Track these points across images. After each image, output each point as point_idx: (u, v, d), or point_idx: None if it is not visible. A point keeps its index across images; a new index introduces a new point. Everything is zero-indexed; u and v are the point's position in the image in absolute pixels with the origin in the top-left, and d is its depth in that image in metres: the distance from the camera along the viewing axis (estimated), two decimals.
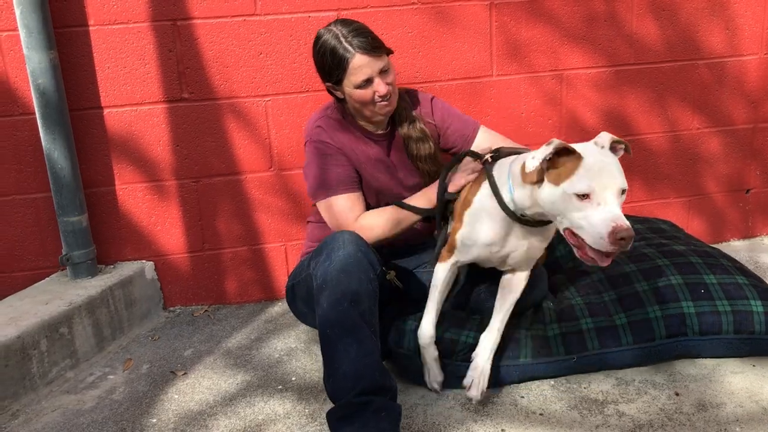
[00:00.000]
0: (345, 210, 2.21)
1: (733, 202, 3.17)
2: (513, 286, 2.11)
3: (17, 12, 2.36)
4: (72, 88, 2.54)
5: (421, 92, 2.40)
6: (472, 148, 2.32)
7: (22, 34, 2.39)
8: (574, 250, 1.77)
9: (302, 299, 2.23)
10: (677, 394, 2.07)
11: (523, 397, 2.10)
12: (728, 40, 2.95)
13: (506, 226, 1.97)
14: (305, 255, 2.33)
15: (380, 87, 2.13)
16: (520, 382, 2.16)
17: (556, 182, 1.73)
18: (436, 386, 2.13)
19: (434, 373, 2.13)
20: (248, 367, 2.39)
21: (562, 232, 1.81)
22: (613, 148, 1.79)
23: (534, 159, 1.75)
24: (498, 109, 2.84)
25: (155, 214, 2.72)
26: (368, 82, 2.13)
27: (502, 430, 1.94)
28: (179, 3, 2.54)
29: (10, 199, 2.62)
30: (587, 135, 2.93)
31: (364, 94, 2.14)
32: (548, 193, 1.76)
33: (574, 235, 1.75)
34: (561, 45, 2.82)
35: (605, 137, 1.79)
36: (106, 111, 2.59)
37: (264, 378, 2.31)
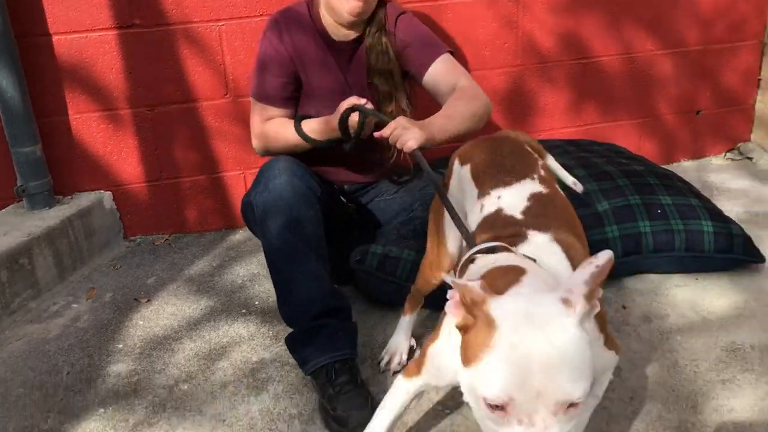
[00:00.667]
0: (259, 116, 2.21)
1: (684, 123, 3.25)
2: None
3: None
4: (16, 13, 2.46)
5: (396, 5, 2.26)
6: (428, 78, 2.17)
7: None
8: None
9: (252, 221, 2.15)
10: (624, 308, 2.18)
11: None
12: None
13: None
14: None
15: None
16: None
17: (464, 362, 1.06)
18: None
19: None
20: (211, 293, 2.43)
21: None
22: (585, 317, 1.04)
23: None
24: (455, 33, 2.83)
25: (111, 143, 2.69)
26: None
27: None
28: None
29: None
30: (544, 59, 2.96)
31: None
32: (461, 372, 1.08)
33: None
34: None
35: (578, 294, 1.03)
36: (54, 38, 2.52)
37: (227, 303, 2.36)
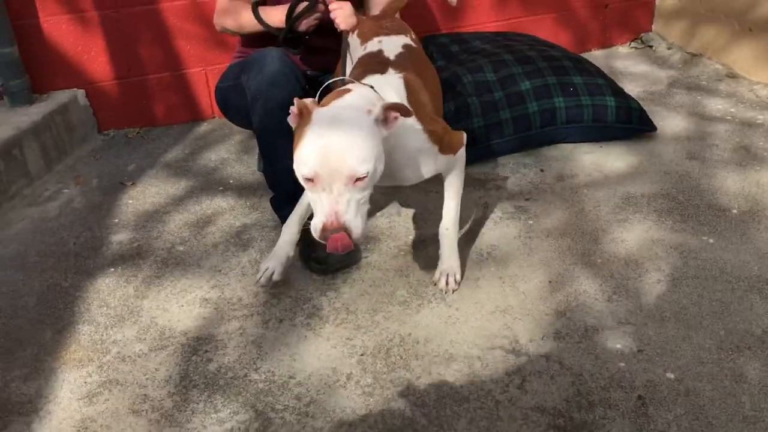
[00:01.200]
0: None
1: (594, 16, 3.66)
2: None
3: None
4: None
5: None
6: None
7: None
8: None
9: (234, 105, 2.43)
10: (542, 171, 2.63)
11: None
12: None
13: None
14: (235, 60, 2.53)
15: None
16: None
17: (294, 149, 1.51)
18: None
19: None
20: (189, 175, 2.76)
21: None
22: (387, 119, 1.55)
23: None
24: None
25: (81, 43, 2.91)
26: None
27: (408, 204, 2.46)
28: None
29: None
30: None
31: None
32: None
33: None
34: None
35: (379, 105, 1.53)
36: None
37: (205, 182, 2.70)
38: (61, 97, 2.92)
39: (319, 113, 1.51)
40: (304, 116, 1.51)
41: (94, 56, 2.95)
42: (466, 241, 2.23)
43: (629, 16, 3.74)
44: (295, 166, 1.49)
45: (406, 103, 1.73)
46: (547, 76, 2.75)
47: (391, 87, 1.77)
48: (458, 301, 1.97)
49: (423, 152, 1.77)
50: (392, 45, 2.00)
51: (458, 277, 2.02)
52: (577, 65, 2.86)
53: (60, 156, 2.86)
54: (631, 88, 3.23)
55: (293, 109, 1.53)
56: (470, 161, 2.65)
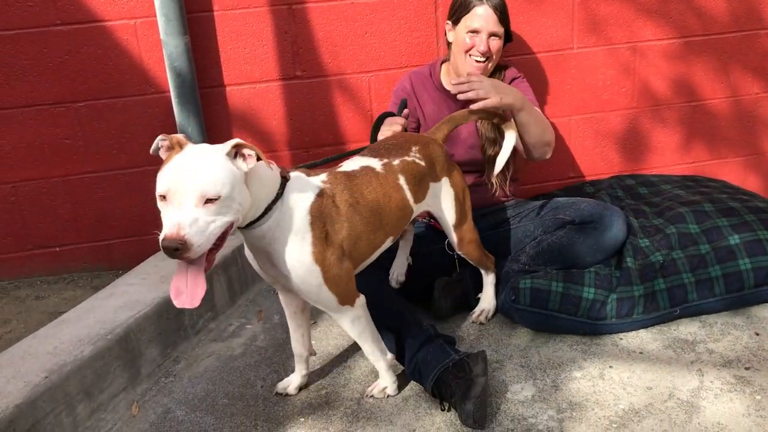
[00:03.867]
0: None
1: None
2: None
3: (156, 2, 2.61)
4: (199, 68, 2.80)
5: (515, 70, 2.68)
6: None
7: (160, 21, 2.64)
8: None
9: None
10: (757, 334, 2.38)
11: (621, 339, 2.42)
12: None
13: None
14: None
15: (481, 44, 2.50)
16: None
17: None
18: None
19: None
20: None
21: None
22: (240, 155, 1.67)
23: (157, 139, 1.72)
24: (577, 80, 3.10)
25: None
26: (476, 33, 2.49)
27: (610, 366, 2.27)
28: None
29: (143, 170, 2.91)
30: (658, 102, 3.20)
31: (467, 42, 2.51)
32: None
33: None
34: (635, 19, 3.06)
35: (228, 143, 1.67)
36: (228, 89, 2.86)
37: None
38: None
39: (187, 146, 1.67)
40: (174, 149, 1.67)
41: None
42: (686, 416, 2.01)
43: None
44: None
45: (306, 212, 1.85)
46: (757, 230, 2.55)
47: (303, 188, 1.87)
48: None
49: (296, 252, 1.84)
50: (353, 163, 2.09)
51: None
52: None
53: (243, 289, 2.90)
54: None
55: (164, 142, 1.69)
56: (675, 314, 2.46)
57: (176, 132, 2.79)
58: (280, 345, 2.55)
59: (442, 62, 2.72)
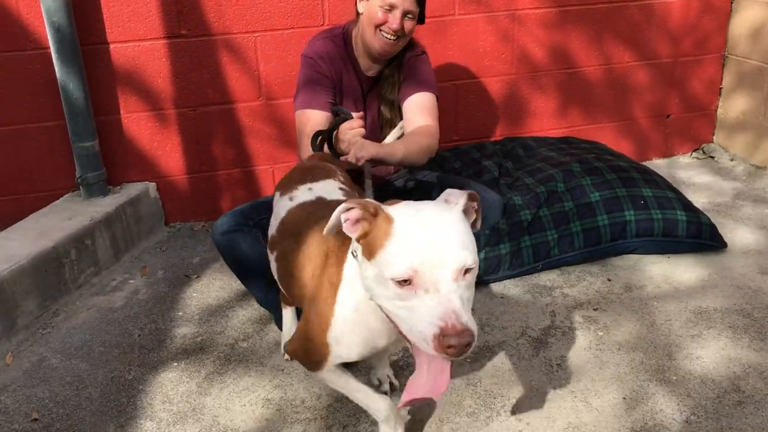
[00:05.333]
0: (307, 125, 2.44)
1: (656, 126, 3.69)
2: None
3: None
4: (81, 24, 2.79)
5: (419, 47, 2.60)
6: (404, 105, 2.54)
7: None
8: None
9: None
10: (609, 280, 2.58)
11: (487, 287, 2.58)
12: None
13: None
14: None
15: (394, 21, 2.35)
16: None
17: (369, 257, 1.29)
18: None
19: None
20: None
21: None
22: (465, 211, 1.34)
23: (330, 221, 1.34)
24: (459, 46, 3.23)
25: (157, 139, 3.03)
26: (391, 8, 2.34)
27: (472, 310, 2.42)
28: None
29: (23, 128, 2.88)
30: (535, 68, 3.37)
31: (379, 17, 2.35)
32: (364, 269, 1.32)
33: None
34: None
35: (458, 195, 1.35)
36: (112, 46, 2.86)
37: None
38: (133, 189, 3.02)
39: (396, 209, 1.30)
40: (376, 214, 1.30)
41: (168, 152, 3.06)
42: (534, 350, 2.18)
43: (691, 126, 3.75)
44: (376, 277, 1.27)
45: None
46: (617, 188, 2.74)
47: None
48: (528, 414, 1.90)
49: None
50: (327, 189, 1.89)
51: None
52: (646, 177, 2.84)
53: (127, 246, 2.93)
54: (696, 199, 3.19)
55: (348, 216, 1.32)
56: (538, 269, 2.64)
57: (58, 90, 2.78)
58: (160, 298, 2.60)
59: (354, 30, 2.58)
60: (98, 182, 2.91)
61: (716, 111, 3.76)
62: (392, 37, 2.39)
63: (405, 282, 1.21)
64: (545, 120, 3.47)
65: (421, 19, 2.47)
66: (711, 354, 2.12)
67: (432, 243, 1.21)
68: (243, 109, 3.07)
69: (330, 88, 2.50)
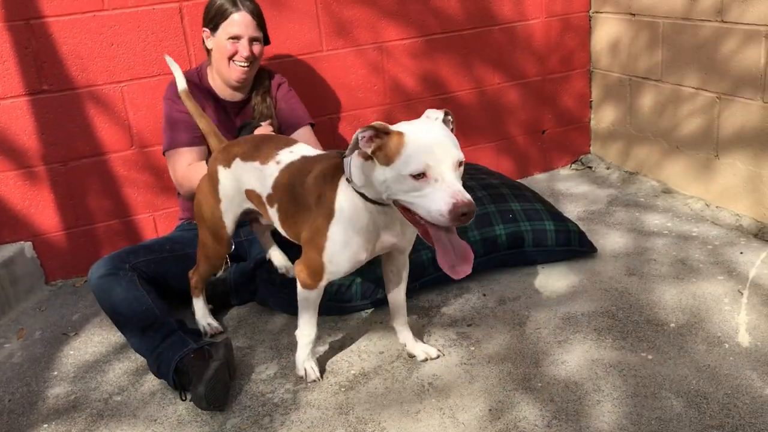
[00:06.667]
0: (178, 162, 2.65)
1: (533, 142, 3.82)
2: (399, 270, 2.23)
3: None
4: None
5: (280, 77, 2.85)
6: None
7: None
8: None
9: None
10: (484, 295, 2.65)
11: (366, 313, 2.60)
12: (516, 7, 3.55)
13: (376, 222, 1.93)
14: (182, 221, 2.87)
15: (244, 50, 2.59)
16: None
17: (387, 163, 1.70)
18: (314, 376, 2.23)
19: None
20: None
21: (393, 204, 1.81)
22: (445, 121, 1.79)
23: (351, 146, 1.74)
24: (332, 79, 3.29)
25: (28, 197, 2.97)
26: (237, 39, 2.57)
27: (351, 338, 2.44)
28: (31, 3, 2.77)
29: None
30: (409, 97, 3.46)
31: (229, 48, 2.58)
32: (380, 174, 1.73)
33: (408, 210, 1.74)
34: (378, 21, 3.30)
35: (435, 111, 1.79)
36: None
37: None
38: (6, 250, 2.94)
39: (401, 126, 1.73)
40: (387, 131, 1.70)
41: (42, 208, 3.00)
42: (408, 372, 2.21)
43: (567, 139, 3.90)
44: (395, 176, 1.67)
45: None
46: (487, 204, 2.82)
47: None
48: None
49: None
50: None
51: None
52: (515, 191, 2.94)
53: (4, 310, 2.84)
54: (572, 209, 3.32)
55: (366, 133, 1.70)
56: (416, 290, 2.69)
57: None
58: (36, 359, 2.53)
59: (208, 66, 2.78)
60: None
61: (589, 123, 3.93)
62: (245, 64, 2.62)
63: (419, 176, 1.63)
64: None
65: (266, 40, 2.71)
66: (575, 358, 2.20)
67: (436, 145, 1.64)
68: (116, 159, 3.04)
69: (191, 124, 2.57)
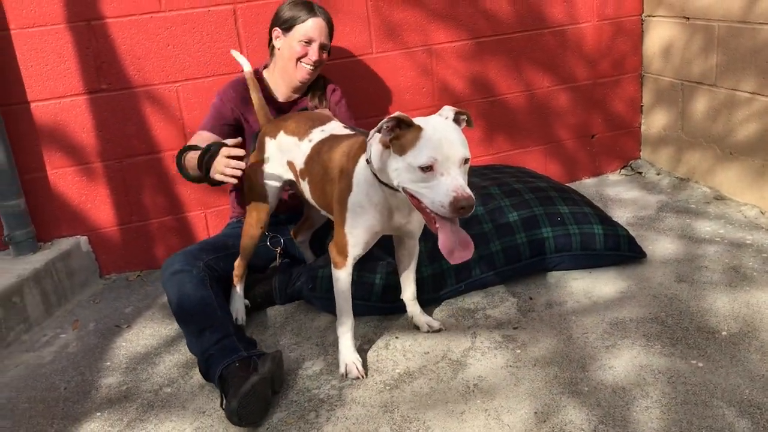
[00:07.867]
0: (193, 140, 2.72)
1: (582, 146, 3.79)
2: (410, 253, 2.41)
3: None
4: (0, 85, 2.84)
5: (334, 84, 2.94)
6: None
7: None
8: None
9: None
10: (531, 299, 2.63)
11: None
12: (567, 10, 3.52)
13: (389, 201, 2.10)
14: (232, 219, 2.96)
15: (314, 54, 2.71)
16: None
17: (400, 153, 1.86)
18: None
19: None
20: None
21: (401, 190, 1.94)
22: (456, 120, 1.94)
23: (375, 130, 1.91)
24: (382, 80, 3.32)
25: (85, 193, 3.06)
26: (309, 42, 2.69)
27: (396, 337, 2.46)
28: (92, 4, 2.87)
29: None
30: (457, 99, 3.46)
31: (299, 50, 2.69)
32: (394, 163, 1.89)
33: (413, 196, 1.90)
34: (428, 23, 3.31)
35: (448, 110, 1.94)
36: (32, 105, 2.90)
37: None
38: (64, 244, 3.03)
39: (420, 122, 1.87)
40: (409, 123, 1.85)
41: (98, 204, 3.09)
42: (453, 372, 2.21)
43: (617, 144, 3.86)
44: (406, 166, 1.83)
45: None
46: (534, 207, 2.81)
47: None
48: None
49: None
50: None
51: None
52: (563, 195, 2.92)
53: (60, 301, 2.94)
54: (621, 214, 3.28)
55: (389, 123, 1.85)
56: (461, 291, 2.69)
57: None
58: (90, 350, 2.61)
59: (264, 68, 2.85)
60: (26, 240, 2.92)
61: (640, 128, 3.88)
62: (311, 67, 2.73)
63: (427, 168, 1.79)
64: (472, 147, 3.46)
65: (329, 51, 2.83)
66: (623, 363, 2.17)
67: (445, 142, 1.80)
68: (170, 158, 3.11)
69: (225, 117, 2.76)
